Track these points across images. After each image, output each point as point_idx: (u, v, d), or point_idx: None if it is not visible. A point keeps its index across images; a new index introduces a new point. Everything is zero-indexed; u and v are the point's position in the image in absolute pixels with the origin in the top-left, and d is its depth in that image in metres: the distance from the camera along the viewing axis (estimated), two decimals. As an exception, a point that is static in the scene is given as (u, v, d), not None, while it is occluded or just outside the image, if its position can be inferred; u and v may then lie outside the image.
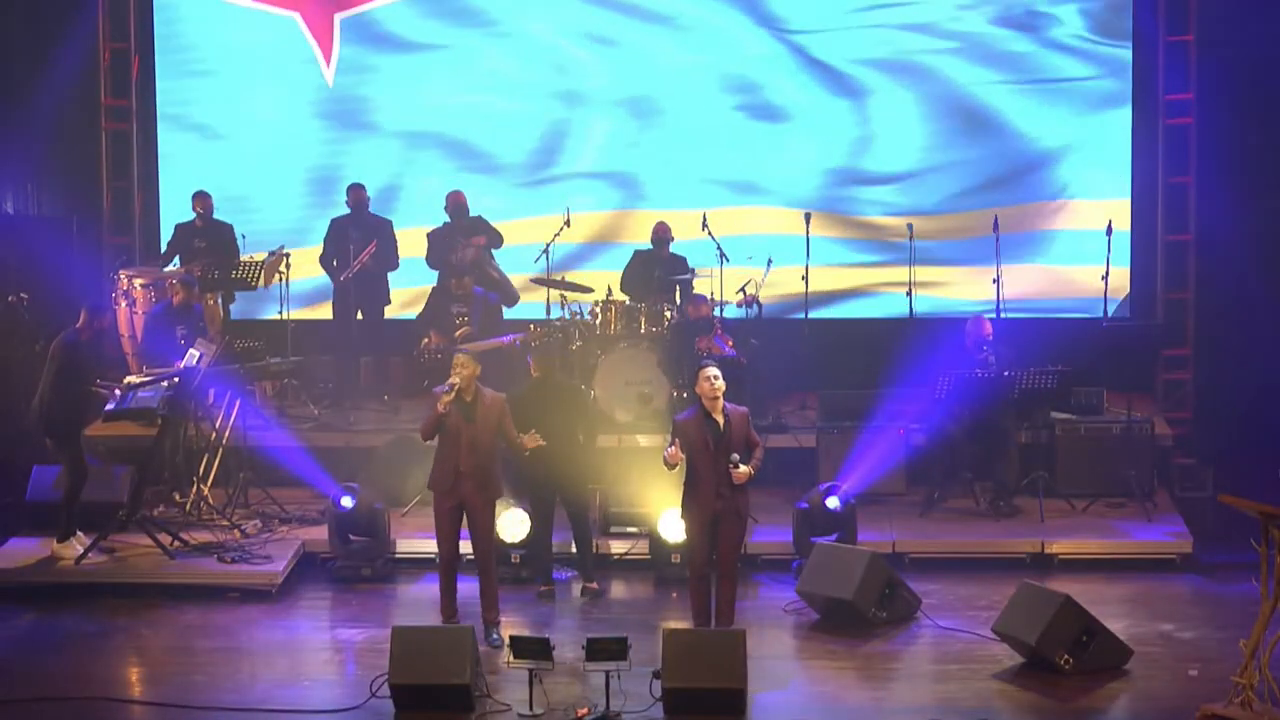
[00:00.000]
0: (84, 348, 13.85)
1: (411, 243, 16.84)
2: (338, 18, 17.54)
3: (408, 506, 14.57)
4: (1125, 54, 17.08)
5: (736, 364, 14.99)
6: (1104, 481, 15.13)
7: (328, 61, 17.59)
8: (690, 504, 12.05)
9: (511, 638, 11.26)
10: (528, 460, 13.31)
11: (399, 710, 11.11)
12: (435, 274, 16.64)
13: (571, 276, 16.66)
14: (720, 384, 11.91)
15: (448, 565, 12.59)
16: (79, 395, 13.80)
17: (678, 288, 16.45)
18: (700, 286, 16.36)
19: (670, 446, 11.83)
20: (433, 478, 12.56)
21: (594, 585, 13.60)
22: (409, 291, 17.12)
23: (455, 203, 16.72)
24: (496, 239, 16.77)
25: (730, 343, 15.54)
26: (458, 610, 12.54)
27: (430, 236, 16.73)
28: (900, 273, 16.65)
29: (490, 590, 12.55)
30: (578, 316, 16.05)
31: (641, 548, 14.20)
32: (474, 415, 12.36)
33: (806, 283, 16.30)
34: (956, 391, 14.63)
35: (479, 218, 16.78)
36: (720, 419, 11.91)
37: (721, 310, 16.01)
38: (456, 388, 12.31)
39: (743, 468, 11.84)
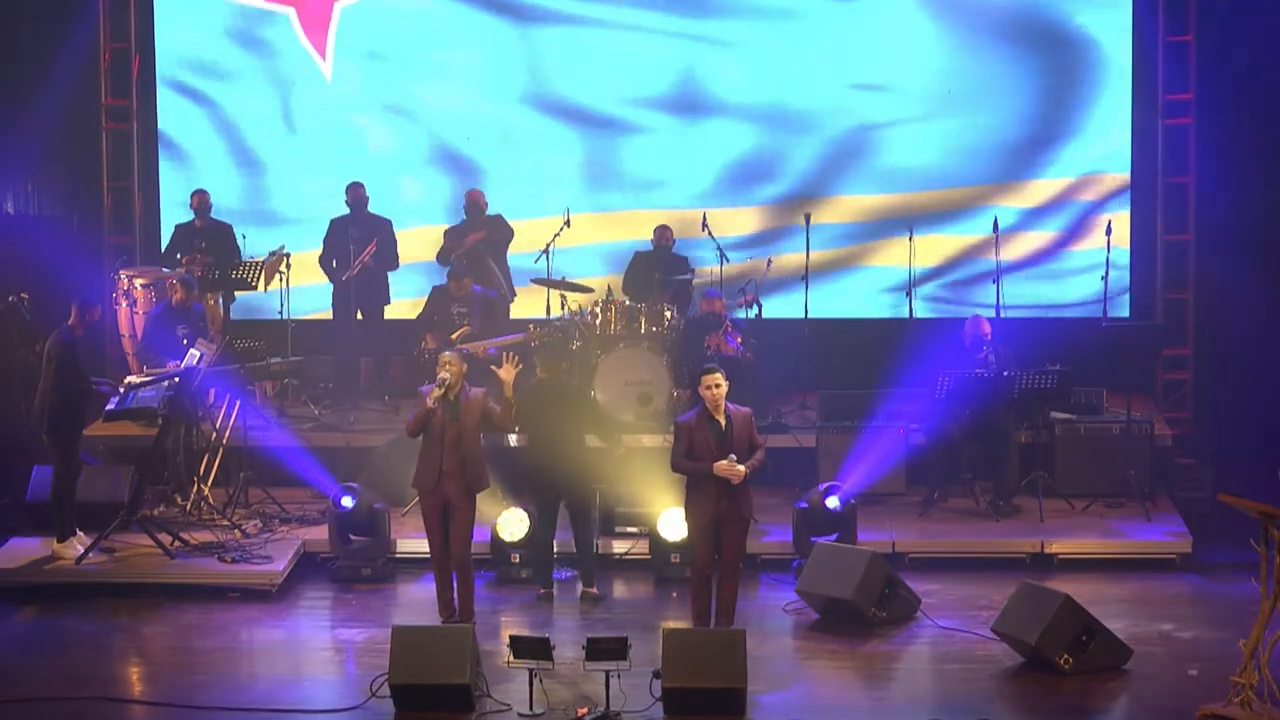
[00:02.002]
0: (79, 344, 13.85)
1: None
2: (337, 7, 17.52)
3: (408, 506, 14.57)
4: (1125, 54, 17.10)
5: (740, 363, 15.02)
6: (1104, 481, 15.12)
7: (323, 56, 17.57)
8: (693, 504, 12.05)
9: (511, 638, 11.25)
10: (532, 461, 13.37)
11: (399, 710, 11.11)
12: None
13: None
14: (721, 390, 11.90)
15: (440, 563, 12.64)
16: (80, 392, 13.79)
17: (677, 289, 16.46)
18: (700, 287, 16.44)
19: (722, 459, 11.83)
20: (417, 476, 12.64)
21: (594, 591, 13.56)
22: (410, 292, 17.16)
23: (471, 201, 16.76)
24: (499, 237, 16.73)
25: (740, 339, 15.54)
26: (455, 608, 12.57)
27: (447, 234, 16.76)
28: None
29: (467, 591, 12.60)
30: (578, 317, 16.06)
31: (641, 548, 14.20)
32: (458, 413, 12.43)
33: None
34: (956, 391, 14.62)
35: (498, 216, 16.79)
36: (722, 420, 11.90)
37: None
38: (447, 384, 12.36)
39: (739, 467, 11.82)
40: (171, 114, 17.67)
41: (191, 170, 17.53)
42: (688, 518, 12.20)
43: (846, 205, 17.34)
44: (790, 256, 16.92)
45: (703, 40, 17.34)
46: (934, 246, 17.18)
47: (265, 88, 17.62)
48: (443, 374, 12.43)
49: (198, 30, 17.60)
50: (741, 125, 17.36)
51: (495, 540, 13.97)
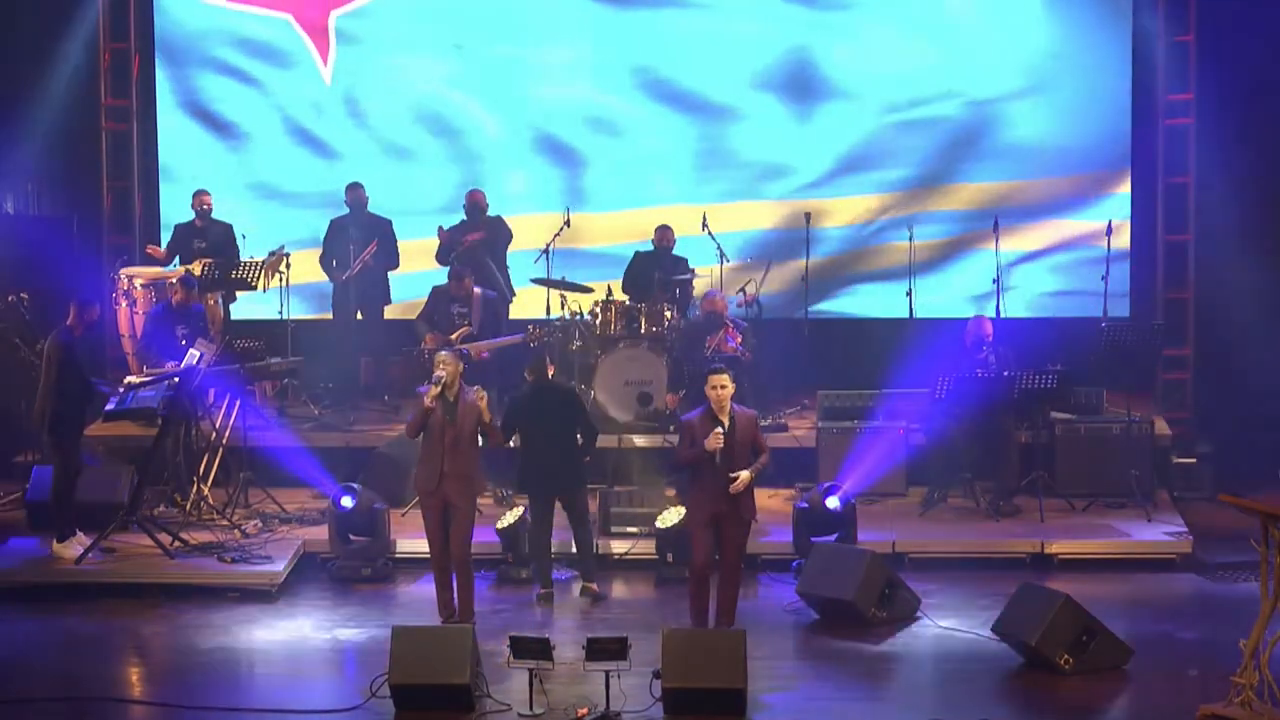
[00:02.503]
0: (78, 344, 13.85)
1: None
2: (334, 14, 17.53)
3: (408, 506, 14.57)
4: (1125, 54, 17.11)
5: (740, 363, 15.03)
6: (1104, 481, 15.12)
7: (324, 60, 17.59)
8: (693, 503, 12.06)
9: (511, 638, 11.24)
10: (525, 462, 13.38)
11: (399, 710, 11.09)
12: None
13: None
14: (727, 391, 11.87)
15: (440, 563, 12.67)
16: (81, 391, 13.80)
17: (677, 289, 16.47)
18: (700, 287, 16.42)
19: (705, 440, 11.78)
20: (417, 477, 12.71)
21: (594, 586, 13.55)
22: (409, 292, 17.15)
23: (471, 201, 16.77)
24: (498, 238, 16.74)
25: (740, 339, 15.55)
26: (456, 608, 12.58)
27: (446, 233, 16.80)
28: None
29: (467, 591, 12.63)
30: (577, 317, 16.06)
31: (642, 548, 14.19)
32: (455, 414, 12.46)
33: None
34: (956, 391, 14.63)
35: (498, 218, 16.80)
36: (726, 420, 11.89)
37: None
38: (443, 382, 12.40)
39: (742, 474, 11.80)
40: (171, 114, 17.69)
41: (191, 171, 17.53)
42: (688, 516, 12.21)
43: (958, 194, 17.38)
44: (898, 245, 17.00)
45: (812, 25, 17.37)
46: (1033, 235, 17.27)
47: (267, 89, 17.63)
48: (439, 373, 12.47)
49: (197, 30, 17.62)
50: (852, 112, 17.36)
51: (499, 539, 13.98)
